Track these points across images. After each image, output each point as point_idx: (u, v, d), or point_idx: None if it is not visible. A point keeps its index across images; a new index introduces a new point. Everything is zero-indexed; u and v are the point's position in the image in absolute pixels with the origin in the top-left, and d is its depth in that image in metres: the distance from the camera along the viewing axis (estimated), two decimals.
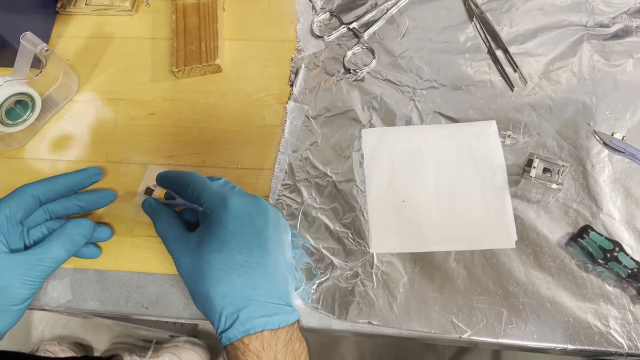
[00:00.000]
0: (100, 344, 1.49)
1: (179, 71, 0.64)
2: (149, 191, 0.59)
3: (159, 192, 0.59)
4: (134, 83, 0.67)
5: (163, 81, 0.66)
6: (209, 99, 0.65)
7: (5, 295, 0.46)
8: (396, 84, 0.64)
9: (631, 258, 0.52)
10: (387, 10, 0.67)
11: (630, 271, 0.52)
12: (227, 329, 0.44)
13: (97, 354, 1.48)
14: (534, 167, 0.56)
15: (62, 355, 1.38)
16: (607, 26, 0.63)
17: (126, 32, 0.69)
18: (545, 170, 0.56)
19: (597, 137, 0.59)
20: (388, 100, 0.63)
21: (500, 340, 0.53)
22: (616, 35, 0.63)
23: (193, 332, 1.48)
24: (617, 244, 0.53)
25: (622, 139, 0.58)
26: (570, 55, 0.63)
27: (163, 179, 0.55)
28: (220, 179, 0.54)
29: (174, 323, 1.41)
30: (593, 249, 0.53)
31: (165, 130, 0.64)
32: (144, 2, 0.71)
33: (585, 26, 0.64)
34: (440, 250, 0.56)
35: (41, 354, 1.36)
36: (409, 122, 0.62)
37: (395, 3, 0.67)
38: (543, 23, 0.64)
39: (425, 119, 0.62)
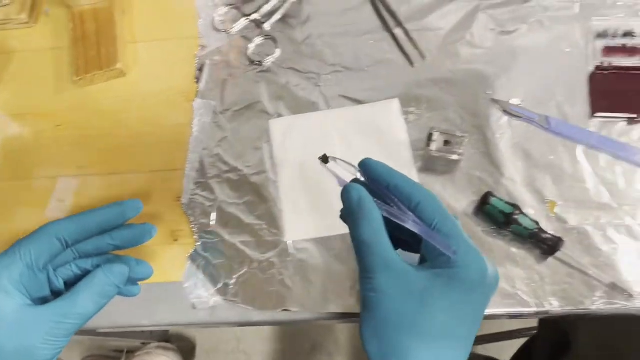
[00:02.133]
0: None
1: (80, 79, 0.63)
2: (325, 159, 0.43)
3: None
4: (38, 96, 0.65)
5: (68, 91, 0.65)
6: (116, 104, 0.65)
7: (29, 358, 0.39)
8: (301, 72, 0.64)
9: (531, 219, 0.54)
10: None
11: (531, 232, 0.54)
12: None
13: None
14: (434, 141, 0.57)
15: None
16: None
17: (28, 45, 0.68)
18: (447, 142, 0.57)
19: (496, 104, 0.60)
20: (294, 89, 0.63)
21: None
22: (508, 2, 0.64)
23: (164, 338, 1.48)
24: (516, 207, 0.54)
25: (520, 104, 0.60)
26: (467, 27, 0.63)
27: (375, 174, 0.41)
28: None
29: (150, 332, 1.40)
30: (495, 214, 0.55)
31: (74, 141, 0.63)
32: (44, 12, 0.69)
33: None
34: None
35: None
36: (315, 108, 0.62)
37: None
38: None
39: (331, 103, 0.62)
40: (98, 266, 0.44)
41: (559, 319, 0.53)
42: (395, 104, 0.61)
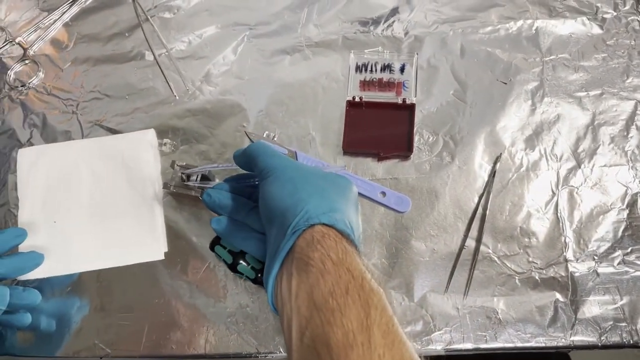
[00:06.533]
0: None
1: None
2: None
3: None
4: None
5: None
6: None
7: None
8: (60, 98, 0.61)
9: (252, 268, 0.52)
10: (55, 21, 0.64)
11: (252, 280, 0.52)
12: (324, 213, 0.38)
13: None
14: (174, 175, 0.55)
15: None
16: (268, 23, 0.63)
17: None
18: (186, 177, 0.55)
19: (249, 137, 0.58)
20: (50, 116, 0.60)
21: (139, 358, 0.52)
22: (276, 33, 0.63)
23: None
24: (238, 255, 0.52)
25: (273, 137, 0.58)
26: (231, 56, 0.62)
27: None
28: None
29: None
30: (223, 256, 0.53)
31: None
32: None
33: (249, 25, 0.63)
34: (90, 269, 0.55)
35: None
36: (68, 137, 0.60)
37: (63, 13, 0.64)
38: (210, 24, 0.63)
39: (85, 132, 0.60)
40: None
41: None
42: (149, 135, 0.59)
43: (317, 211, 0.38)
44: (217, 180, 0.56)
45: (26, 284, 0.53)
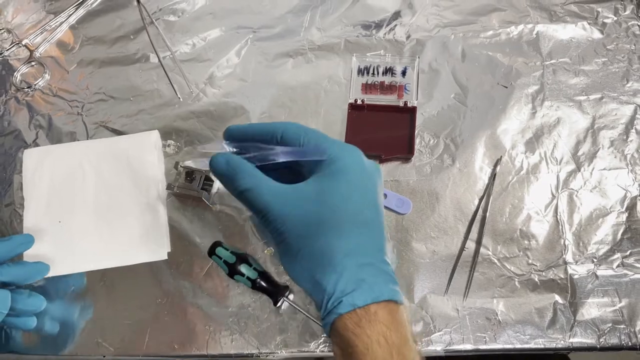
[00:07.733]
0: None
1: None
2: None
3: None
4: None
5: None
6: None
7: None
8: (65, 99, 0.62)
9: (254, 269, 0.52)
10: (61, 23, 0.65)
11: (252, 282, 0.52)
12: (349, 293, 0.35)
13: None
14: (178, 176, 0.56)
15: None
16: (271, 27, 0.64)
17: None
18: (190, 178, 0.56)
19: None
20: (55, 117, 0.61)
21: (141, 357, 0.53)
22: (279, 36, 0.63)
23: None
24: (240, 256, 0.53)
25: None
26: (235, 59, 0.63)
27: (239, 134, 0.42)
28: None
29: None
30: (221, 265, 0.53)
31: None
32: None
33: (252, 28, 0.64)
34: (93, 269, 0.55)
35: None
36: (74, 138, 0.60)
37: (69, 16, 0.65)
38: (214, 27, 0.64)
39: (90, 133, 0.60)
40: None
41: None
42: (152, 137, 0.59)
43: (350, 284, 0.35)
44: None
45: (31, 284, 0.54)
